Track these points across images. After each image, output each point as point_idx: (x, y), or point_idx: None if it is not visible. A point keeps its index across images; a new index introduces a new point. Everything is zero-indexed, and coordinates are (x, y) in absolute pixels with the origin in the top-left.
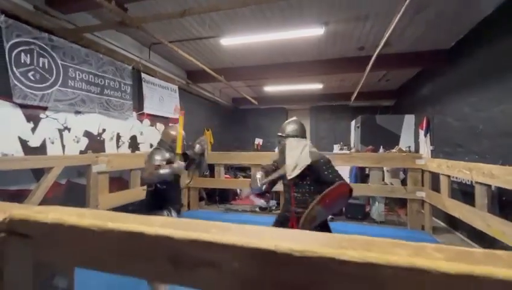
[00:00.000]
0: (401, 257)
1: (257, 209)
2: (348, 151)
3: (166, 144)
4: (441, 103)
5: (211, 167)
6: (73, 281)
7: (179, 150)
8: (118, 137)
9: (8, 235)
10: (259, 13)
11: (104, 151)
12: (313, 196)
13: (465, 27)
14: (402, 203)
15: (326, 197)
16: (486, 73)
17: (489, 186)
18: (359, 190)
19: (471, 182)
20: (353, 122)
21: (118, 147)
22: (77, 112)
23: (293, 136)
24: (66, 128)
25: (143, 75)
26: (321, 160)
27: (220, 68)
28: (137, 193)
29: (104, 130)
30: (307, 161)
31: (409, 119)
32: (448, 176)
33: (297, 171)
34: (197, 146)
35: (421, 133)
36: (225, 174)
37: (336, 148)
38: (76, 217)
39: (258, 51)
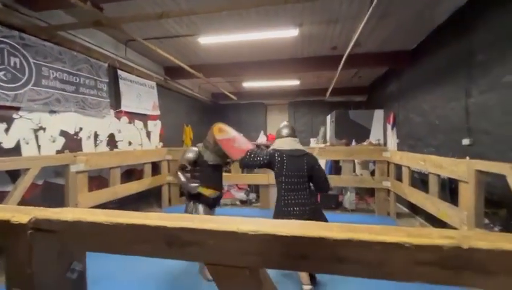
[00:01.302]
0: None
1: (237, 202)
2: (323, 145)
3: (208, 143)
4: (405, 100)
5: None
6: (86, 264)
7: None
8: (96, 136)
9: (35, 231)
10: (236, 15)
11: (81, 150)
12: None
13: (424, 31)
14: (371, 192)
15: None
16: (441, 73)
17: (439, 175)
18: (333, 181)
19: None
20: (328, 117)
21: (95, 145)
22: (52, 112)
23: (281, 137)
24: (41, 128)
25: (119, 72)
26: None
27: (199, 65)
28: (117, 190)
29: (80, 129)
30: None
31: (379, 114)
32: (409, 167)
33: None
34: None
35: (389, 127)
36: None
37: (313, 142)
38: (92, 215)
39: (237, 49)
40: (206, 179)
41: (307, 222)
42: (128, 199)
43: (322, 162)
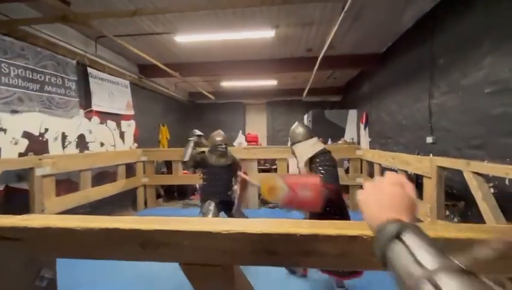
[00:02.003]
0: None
1: None
2: None
3: (210, 147)
4: (376, 100)
5: (168, 164)
6: (56, 271)
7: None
8: (64, 137)
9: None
10: (213, 15)
11: (47, 152)
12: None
13: (393, 36)
14: (346, 189)
15: (288, 177)
16: (408, 75)
17: (406, 171)
18: None
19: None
20: (306, 116)
21: (63, 147)
22: (14, 111)
23: (298, 142)
24: (1, 129)
25: (89, 70)
26: (321, 158)
27: (175, 63)
28: (89, 194)
29: (46, 130)
30: (309, 154)
31: (353, 114)
32: (380, 164)
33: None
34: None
35: (362, 126)
36: (183, 170)
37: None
38: (61, 221)
39: (214, 48)
40: (211, 181)
41: (279, 219)
42: (101, 202)
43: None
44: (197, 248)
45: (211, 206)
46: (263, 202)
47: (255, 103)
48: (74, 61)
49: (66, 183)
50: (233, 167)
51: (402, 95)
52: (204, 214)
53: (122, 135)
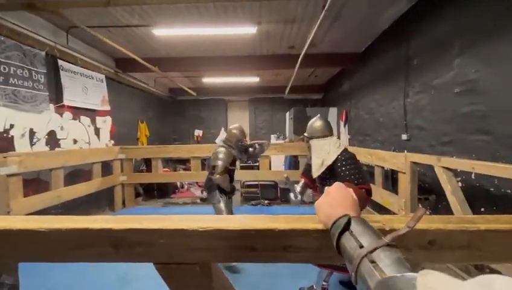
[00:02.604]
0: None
1: (198, 200)
2: (283, 141)
3: (231, 142)
4: (356, 98)
5: (148, 161)
6: (18, 276)
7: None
8: (32, 133)
9: None
10: (193, 9)
11: (13, 150)
12: None
13: (371, 35)
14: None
15: None
16: (385, 75)
17: (383, 167)
18: (292, 175)
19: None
20: (288, 114)
21: (32, 144)
22: None
23: (317, 137)
24: None
25: (60, 62)
26: (339, 156)
27: (154, 58)
28: (61, 194)
29: (12, 126)
30: (331, 159)
31: (333, 112)
32: (358, 161)
33: (321, 170)
34: (258, 147)
35: (342, 123)
36: (164, 167)
37: (273, 138)
38: (24, 222)
39: (195, 43)
40: (231, 177)
41: (256, 215)
42: (76, 203)
43: (282, 158)
44: (173, 247)
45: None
46: (246, 199)
47: (237, 100)
48: (43, 53)
49: (35, 183)
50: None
51: (380, 94)
52: (218, 209)
53: (97, 132)
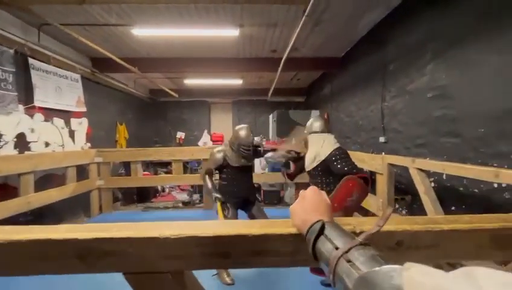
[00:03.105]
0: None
1: (180, 204)
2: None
3: (234, 144)
4: (336, 101)
5: (127, 165)
6: None
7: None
8: None
9: None
10: (174, 9)
11: None
12: (326, 187)
13: (351, 41)
14: (307, 187)
15: (334, 202)
16: (364, 79)
17: (362, 169)
18: (275, 178)
19: None
20: (271, 116)
21: None
22: None
23: (314, 132)
24: None
25: (31, 61)
26: (333, 152)
27: (134, 58)
28: (31, 200)
29: None
30: (325, 155)
31: (315, 114)
32: None
33: (314, 165)
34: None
35: None
36: (144, 171)
37: (257, 140)
38: None
39: (176, 44)
40: (231, 181)
41: (231, 221)
42: (47, 210)
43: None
44: (143, 256)
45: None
46: None
47: (220, 102)
48: (11, 51)
49: (2, 189)
50: (256, 155)
51: (359, 98)
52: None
53: (72, 134)
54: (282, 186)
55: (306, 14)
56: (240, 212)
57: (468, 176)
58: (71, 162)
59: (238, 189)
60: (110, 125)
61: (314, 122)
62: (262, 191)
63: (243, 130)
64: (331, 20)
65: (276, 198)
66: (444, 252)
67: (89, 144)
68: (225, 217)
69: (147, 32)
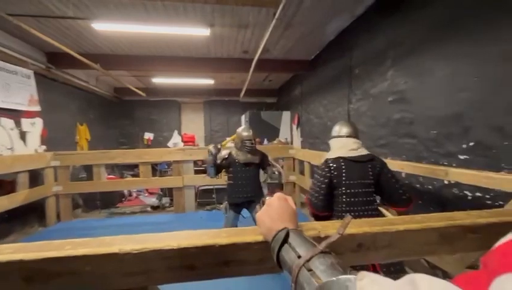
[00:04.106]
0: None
1: (148, 208)
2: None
3: (238, 144)
4: (306, 103)
5: (88, 168)
6: None
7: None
8: None
9: None
10: (140, 6)
11: None
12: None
13: (319, 45)
14: (280, 186)
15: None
16: (332, 82)
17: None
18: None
19: None
20: (243, 117)
21: None
22: None
23: (333, 137)
24: None
25: None
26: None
27: (96, 54)
28: None
29: None
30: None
31: (286, 115)
32: (309, 162)
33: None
34: (276, 173)
35: (294, 127)
36: (109, 174)
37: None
38: None
39: (144, 41)
40: (237, 179)
41: (197, 231)
42: None
43: None
44: (102, 274)
45: (230, 211)
46: (200, 205)
47: (191, 102)
48: None
49: None
50: (263, 162)
51: (327, 100)
52: (227, 218)
53: (23, 136)
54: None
55: (276, 17)
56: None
57: (424, 174)
58: (22, 167)
59: (244, 188)
60: (69, 126)
61: (335, 127)
62: None
63: (243, 129)
64: (301, 24)
65: None
66: (400, 251)
67: (44, 147)
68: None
69: (109, 28)
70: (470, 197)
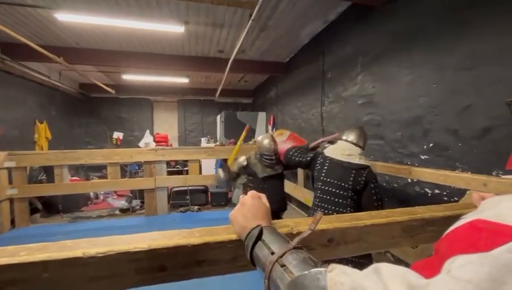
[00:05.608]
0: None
1: (117, 211)
2: (213, 145)
3: (257, 154)
4: (281, 104)
5: (48, 170)
6: None
7: (229, 162)
8: None
9: None
10: None
11: None
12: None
13: (294, 48)
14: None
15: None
16: (306, 85)
17: (304, 169)
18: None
19: None
20: (218, 117)
21: None
22: None
23: (339, 139)
24: None
25: None
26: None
27: (59, 47)
28: None
29: None
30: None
31: (262, 116)
32: None
33: None
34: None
35: (270, 128)
36: (72, 176)
37: (204, 141)
38: None
39: (113, 35)
40: (258, 189)
41: (169, 231)
42: None
43: (213, 162)
44: (63, 281)
45: None
46: (174, 206)
47: (164, 101)
48: None
49: None
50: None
51: (301, 102)
52: None
53: None
54: (230, 187)
55: (252, 18)
56: None
57: (390, 173)
58: None
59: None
60: (26, 124)
61: (346, 130)
62: (209, 193)
63: (264, 139)
64: (276, 27)
65: (223, 199)
66: (368, 245)
67: None
68: None
69: (74, 19)
70: (429, 194)
